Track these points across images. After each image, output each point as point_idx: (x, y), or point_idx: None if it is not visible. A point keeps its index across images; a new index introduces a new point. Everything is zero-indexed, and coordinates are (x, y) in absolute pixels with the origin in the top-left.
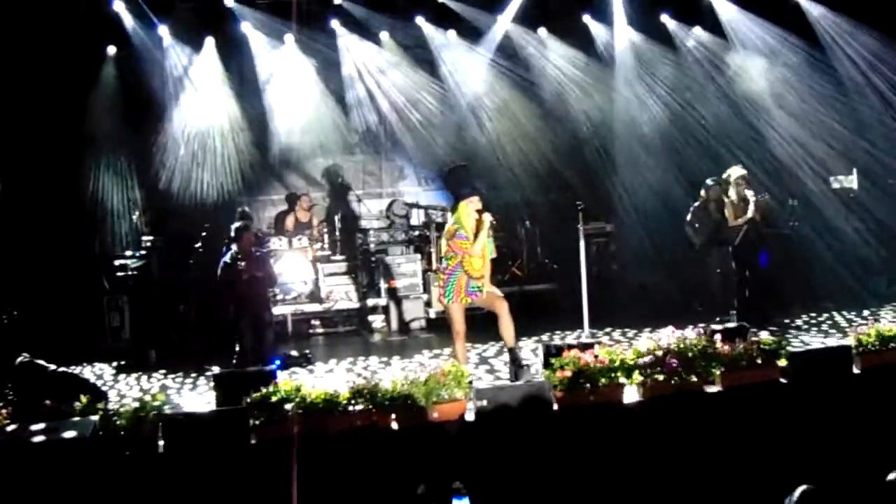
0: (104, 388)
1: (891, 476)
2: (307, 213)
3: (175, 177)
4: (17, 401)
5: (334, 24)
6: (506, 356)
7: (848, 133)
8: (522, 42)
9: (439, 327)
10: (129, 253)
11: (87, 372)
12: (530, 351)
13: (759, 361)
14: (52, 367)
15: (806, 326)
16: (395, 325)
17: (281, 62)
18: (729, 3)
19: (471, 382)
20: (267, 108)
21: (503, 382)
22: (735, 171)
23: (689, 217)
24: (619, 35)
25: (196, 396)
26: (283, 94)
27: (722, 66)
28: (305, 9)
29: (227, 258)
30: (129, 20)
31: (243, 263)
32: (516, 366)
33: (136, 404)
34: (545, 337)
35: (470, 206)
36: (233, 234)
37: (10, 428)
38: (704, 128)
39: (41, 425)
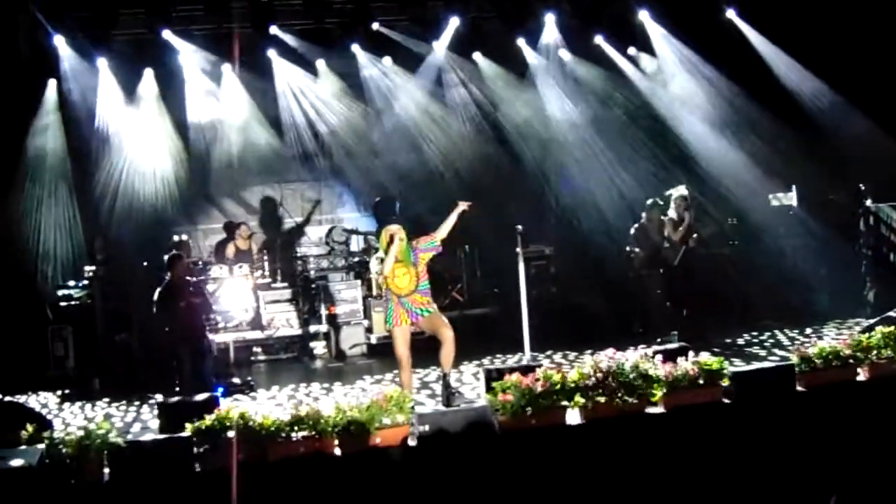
0: (49, 417)
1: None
2: (247, 241)
3: (116, 206)
4: None
5: (271, 53)
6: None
7: (785, 148)
8: (459, 67)
9: (380, 353)
10: (72, 283)
11: (32, 401)
12: (471, 375)
13: (701, 382)
14: None
15: (748, 346)
16: (335, 351)
17: (219, 91)
18: (657, 25)
19: (413, 407)
20: (205, 137)
21: (445, 407)
22: (676, 191)
23: (630, 238)
24: (554, 57)
25: (140, 425)
26: (221, 122)
27: (657, 86)
28: (242, 40)
29: (161, 287)
30: (68, 52)
31: (178, 291)
32: (448, 391)
33: (82, 433)
34: (486, 361)
35: (388, 234)
36: (165, 262)
37: None
38: (644, 149)
39: None
